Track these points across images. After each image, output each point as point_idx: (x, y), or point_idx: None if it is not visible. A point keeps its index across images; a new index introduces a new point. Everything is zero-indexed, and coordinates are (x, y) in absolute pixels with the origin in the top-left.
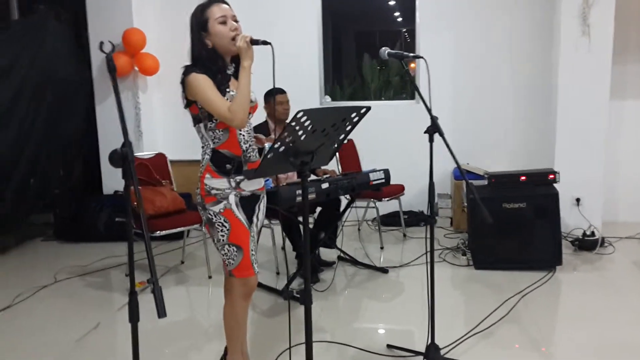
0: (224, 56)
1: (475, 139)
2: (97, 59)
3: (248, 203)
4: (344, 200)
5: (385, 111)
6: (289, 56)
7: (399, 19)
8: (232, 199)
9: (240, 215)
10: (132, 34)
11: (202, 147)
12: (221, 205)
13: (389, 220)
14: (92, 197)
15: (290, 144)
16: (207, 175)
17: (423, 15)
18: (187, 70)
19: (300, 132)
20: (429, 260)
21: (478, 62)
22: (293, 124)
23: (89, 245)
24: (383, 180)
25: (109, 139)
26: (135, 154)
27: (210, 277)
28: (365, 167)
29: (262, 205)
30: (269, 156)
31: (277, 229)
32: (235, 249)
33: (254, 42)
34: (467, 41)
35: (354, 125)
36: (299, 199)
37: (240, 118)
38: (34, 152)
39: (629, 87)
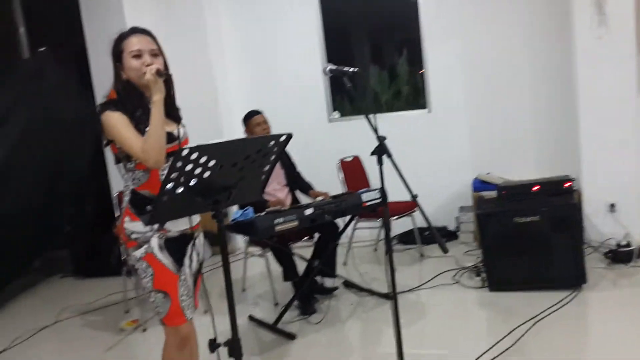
0: (143, 90)
1: (494, 146)
2: (100, 96)
3: (177, 244)
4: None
5: (396, 123)
6: (291, 71)
7: (402, 28)
8: (154, 242)
9: (165, 259)
10: None
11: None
12: (142, 250)
13: (408, 238)
14: (106, 232)
15: (190, 184)
16: (127, 219)
17: (427, 21)
18: (102, 108)
19: (199, 170)
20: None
21: (491, 65)
22: (179, 163)
23: (102, 280)
24: (379, 200)
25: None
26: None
27: (206, 311)
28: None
29: (198, 244)
30: (164, 199)
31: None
32: (162, 296)
33: (160, 74)
34: (477, 43)
35: (278, 154)
36: (278, 227)
37: (155, 158)
38: (43, 192)
39: None
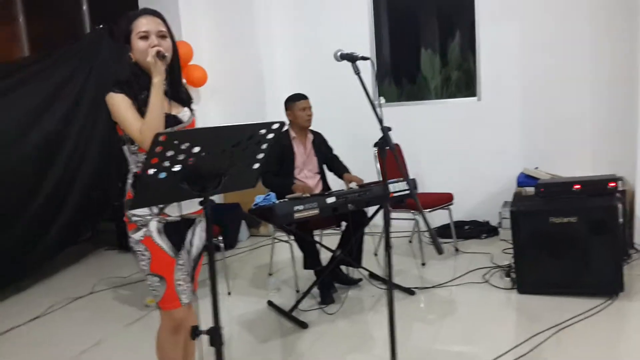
0: (149, 72)
1: (547, 140)
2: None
3: (176, 229)
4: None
5: (444, 111)
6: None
7: (455, 8)
8: (153, 225)
9: (163, 243)
10: (178, 46)
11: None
12: (141, 233)
13: (444, 231)
14: None
15: (173, 169)
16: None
17: (482, 1)
18: (106, 90)
19: (182, 157)
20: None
21: (550, 52)
22: (158, 148)
23: None
24: (407, 192)
25: None
26: None
27: (229, 293)
28: (421, 172)
29: (199, 230)
30: (146, 183)
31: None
32: (157, 280)
33: (160, 56)
34: (536, 27)
35: (270, 141)
36: (297, 215)
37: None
38: (93, 167)
39: None
